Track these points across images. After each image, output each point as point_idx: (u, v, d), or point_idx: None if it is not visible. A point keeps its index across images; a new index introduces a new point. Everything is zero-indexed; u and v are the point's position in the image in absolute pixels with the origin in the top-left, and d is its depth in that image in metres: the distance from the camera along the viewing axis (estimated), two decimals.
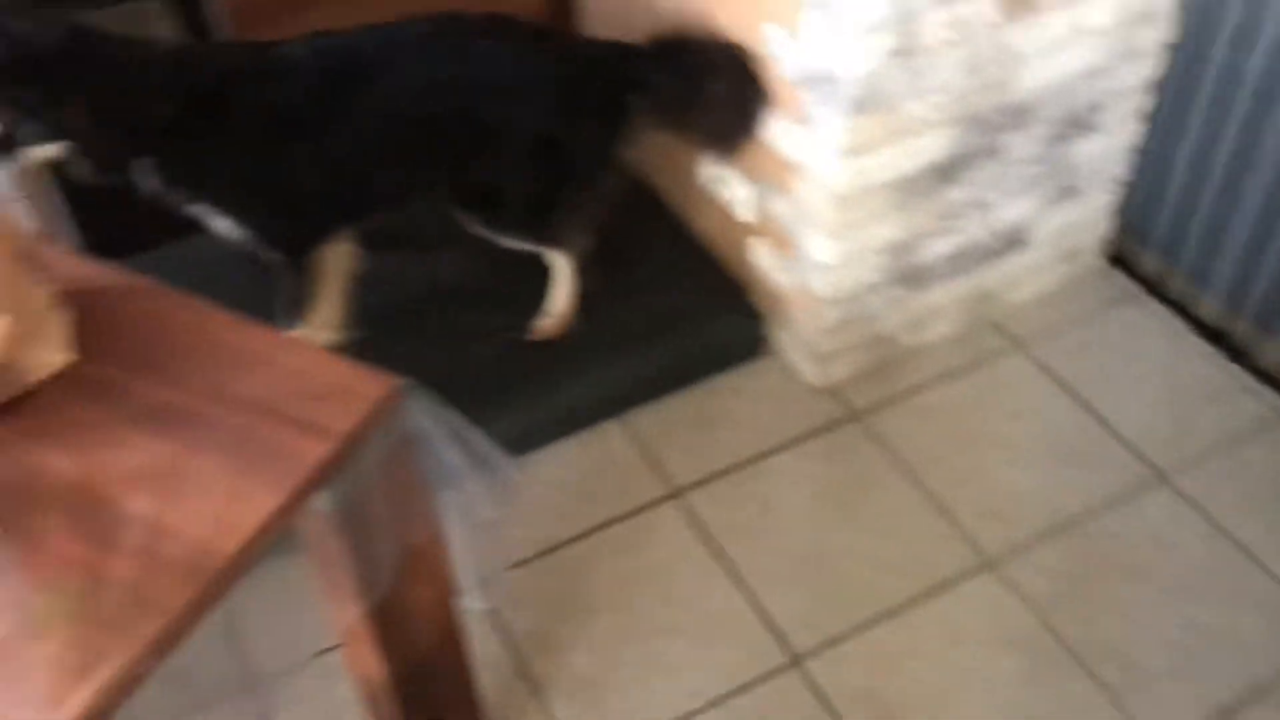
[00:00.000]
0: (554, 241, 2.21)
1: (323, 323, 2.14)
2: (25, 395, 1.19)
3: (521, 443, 2.18)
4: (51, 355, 1.22)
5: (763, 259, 2.30)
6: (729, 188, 2.30)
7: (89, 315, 1.26)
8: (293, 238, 2.05)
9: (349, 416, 1.16)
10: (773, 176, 2.15)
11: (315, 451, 1.13)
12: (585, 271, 2.30)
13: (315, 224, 2.08)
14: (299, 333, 2.12)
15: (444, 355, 2.19)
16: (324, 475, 1.13)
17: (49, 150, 1.78)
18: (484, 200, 2.11)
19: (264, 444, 1.14)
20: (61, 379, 1.21)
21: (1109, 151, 2.31)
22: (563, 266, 2.24)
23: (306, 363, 1.22)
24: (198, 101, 1.85)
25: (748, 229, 2.31)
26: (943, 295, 2.32)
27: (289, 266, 2.08)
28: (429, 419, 1.25)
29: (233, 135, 1.89)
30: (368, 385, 1.19)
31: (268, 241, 2.04)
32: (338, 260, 2.12)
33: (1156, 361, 2.35)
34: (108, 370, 1.22)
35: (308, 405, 1.17)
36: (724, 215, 2.37)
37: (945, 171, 2.09)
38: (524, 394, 2.18)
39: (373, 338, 2.19)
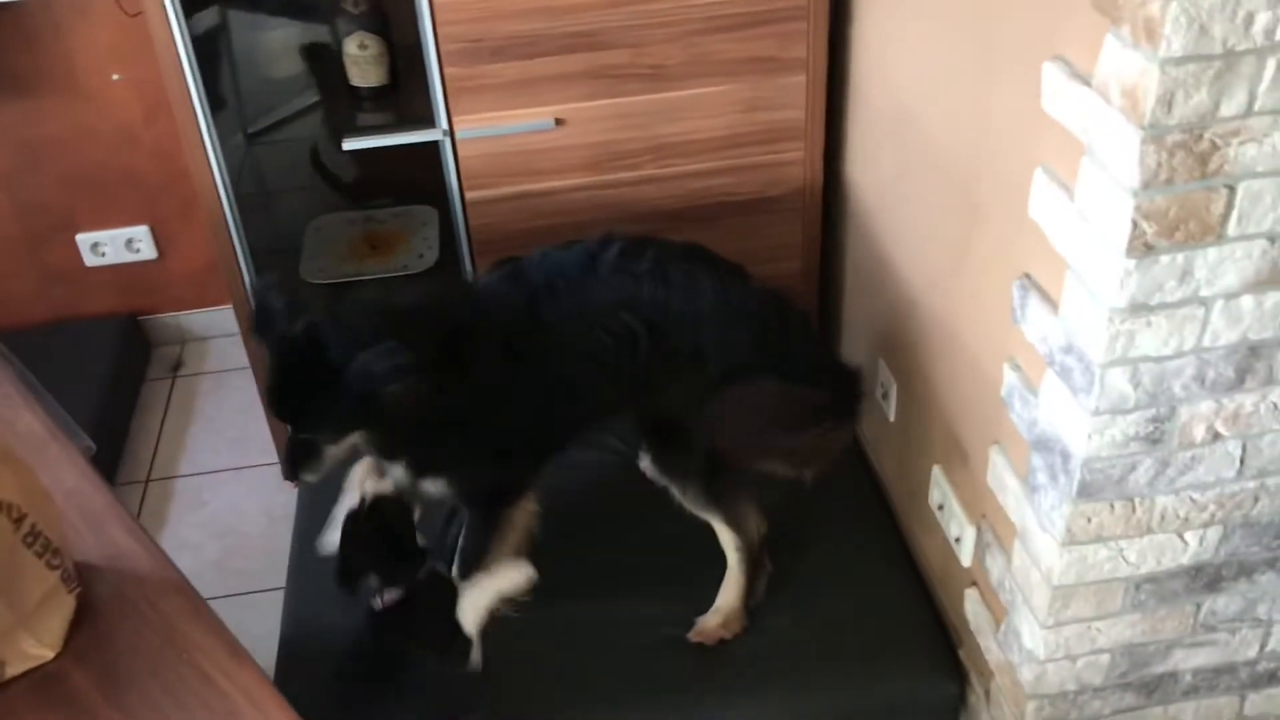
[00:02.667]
0: (730, 506, 1.98)
1: (498, 579, 2.00)
2: None
3: None
4: (36, 649, 1.13)
5: (976, 615, 1.95)
6: (954, 521, 1.99)
7: (95, 607, 1.18)
8: (501, 483, 1.92)
9: None
10: (995, 528, 1.83)
11: None
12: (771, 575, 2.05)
13: (522, 465, 1.94)
14: (478, 584, 1.97)
15: (591, 640, 2.02)
16: None
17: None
18: (668, 434, 1.94)
19: None
20: (37, 675, 1.13)
21: None
22: (737, 551, 2.01)
23: None
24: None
25: (968, 574, 1.98)
26: (1193, 715, 1.87)
27: (486, 519, 1.94)
28: None
29: (466, 385, 1.77)
30: None
31: (477, 493, 1.91)
32: (523, 518, 1.98)
33: None
34: (83, 678, 1.13)
35: None
36: (947, 549, 2.05)
37: (1206, 577, 1.69)
38: (662, 707, 1.93)
39: (530, 604, 2.04)
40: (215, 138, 2.14)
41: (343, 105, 2.37)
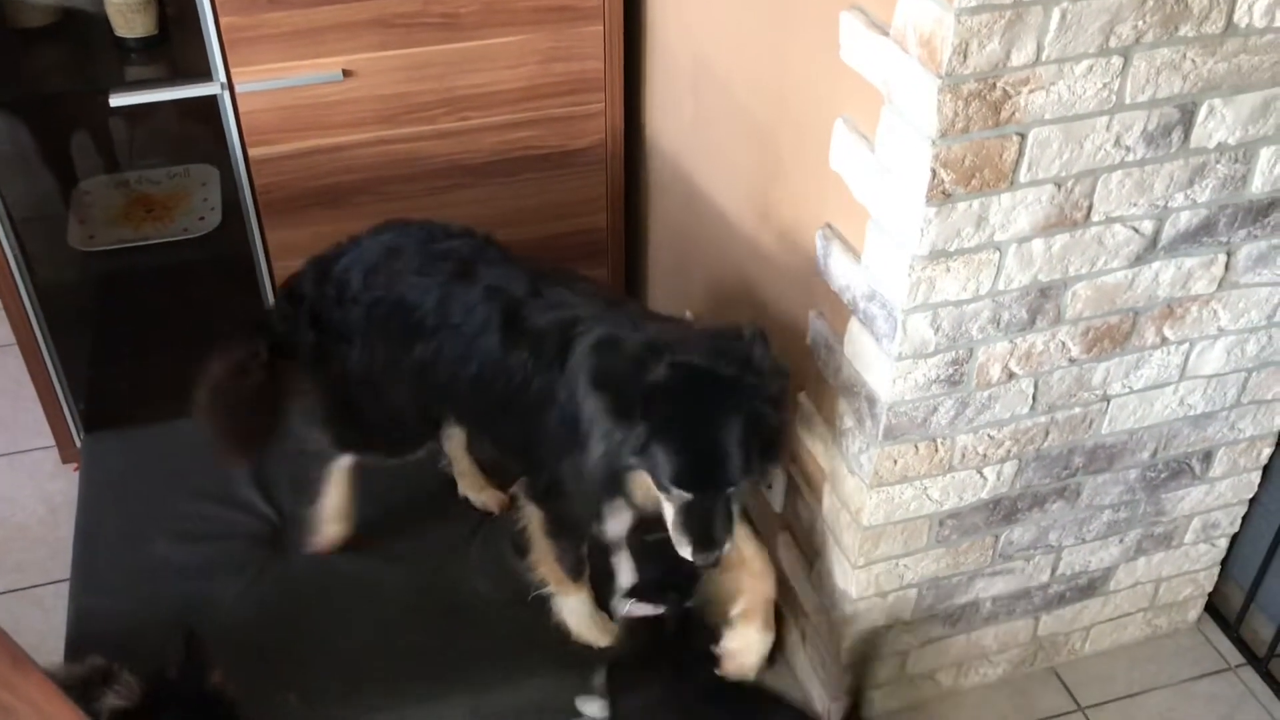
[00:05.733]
0: None
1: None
2: None
3: None
4: None
5: (789, 560, 1.99)
6: None
7: None
8: None
9: None
10: (805, 473, 1.86)
11: None
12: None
13: None
14: None
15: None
16: None
17: None
18: None
19: None
20: None
21: (1215, 501, 1.94)
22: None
23: None
24: None
25: (780, 520, 2.01)
26: (993, 638, 1.97)
27: None
28: None
29: None
30: None
31: None
32: None
33: None
34: None
35: None
36: (759, 496, 2.08)
37: (1003, 510, 1.77)
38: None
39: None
40: None
41: (108, 57, 2.19)
